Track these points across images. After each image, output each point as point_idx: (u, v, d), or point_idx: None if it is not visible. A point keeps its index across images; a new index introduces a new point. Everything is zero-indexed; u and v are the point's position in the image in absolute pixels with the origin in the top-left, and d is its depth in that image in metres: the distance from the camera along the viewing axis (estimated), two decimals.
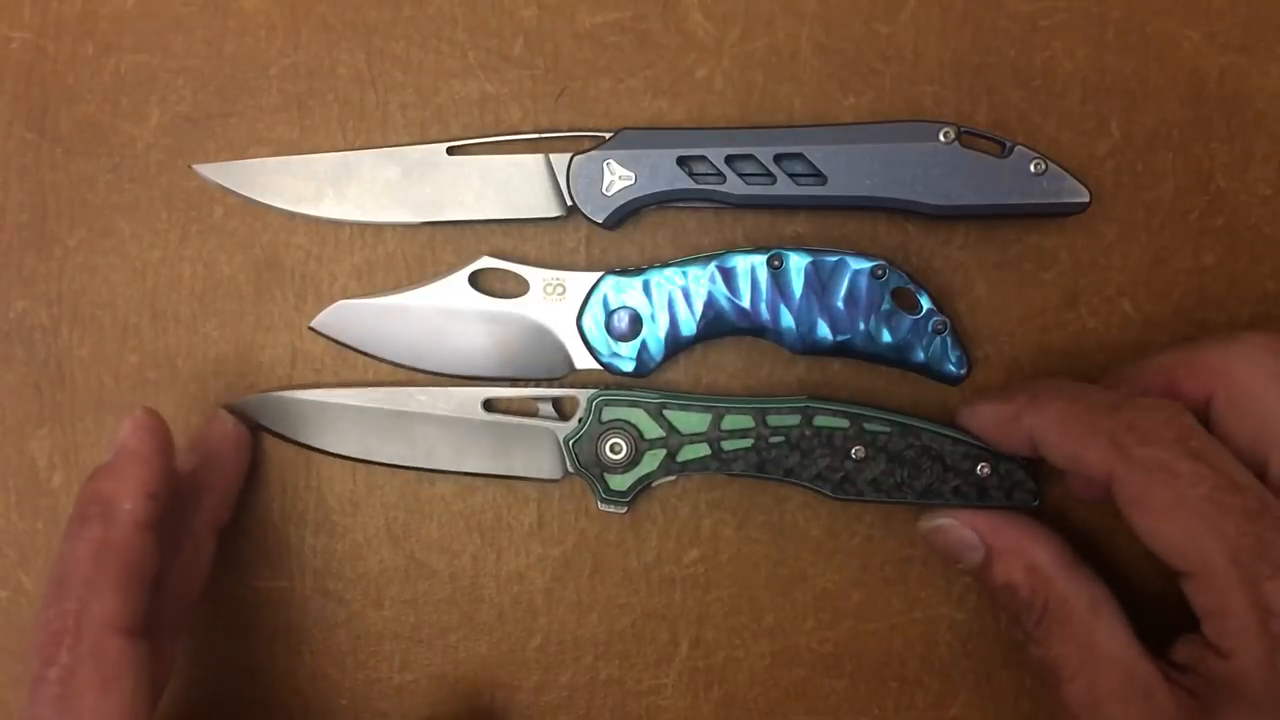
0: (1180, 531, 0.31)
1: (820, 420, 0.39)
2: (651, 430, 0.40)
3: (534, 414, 0.41)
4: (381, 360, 0.41)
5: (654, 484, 0.40)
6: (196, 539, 0.39)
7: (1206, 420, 0.34)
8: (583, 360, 0.40)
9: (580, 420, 0.40)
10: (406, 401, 0.41)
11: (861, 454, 0.39)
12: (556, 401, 0.41)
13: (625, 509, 0.40)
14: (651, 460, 0.40)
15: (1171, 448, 0.32)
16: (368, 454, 0.41)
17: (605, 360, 0.40)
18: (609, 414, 0.40)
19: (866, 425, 0.39)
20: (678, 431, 0.39)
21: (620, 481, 0.40)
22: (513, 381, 0.41)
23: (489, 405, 0.41)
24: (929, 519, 0.39)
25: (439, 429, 0.41)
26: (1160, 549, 0.32)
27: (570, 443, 0.40)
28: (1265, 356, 0.34)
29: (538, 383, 0.41)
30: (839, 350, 0.39)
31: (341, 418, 0.41)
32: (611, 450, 0.40)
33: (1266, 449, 0.33)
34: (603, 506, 0.40)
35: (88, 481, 0.35)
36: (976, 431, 0.38)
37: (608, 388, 0.40)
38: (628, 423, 0.40)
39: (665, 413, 0.39)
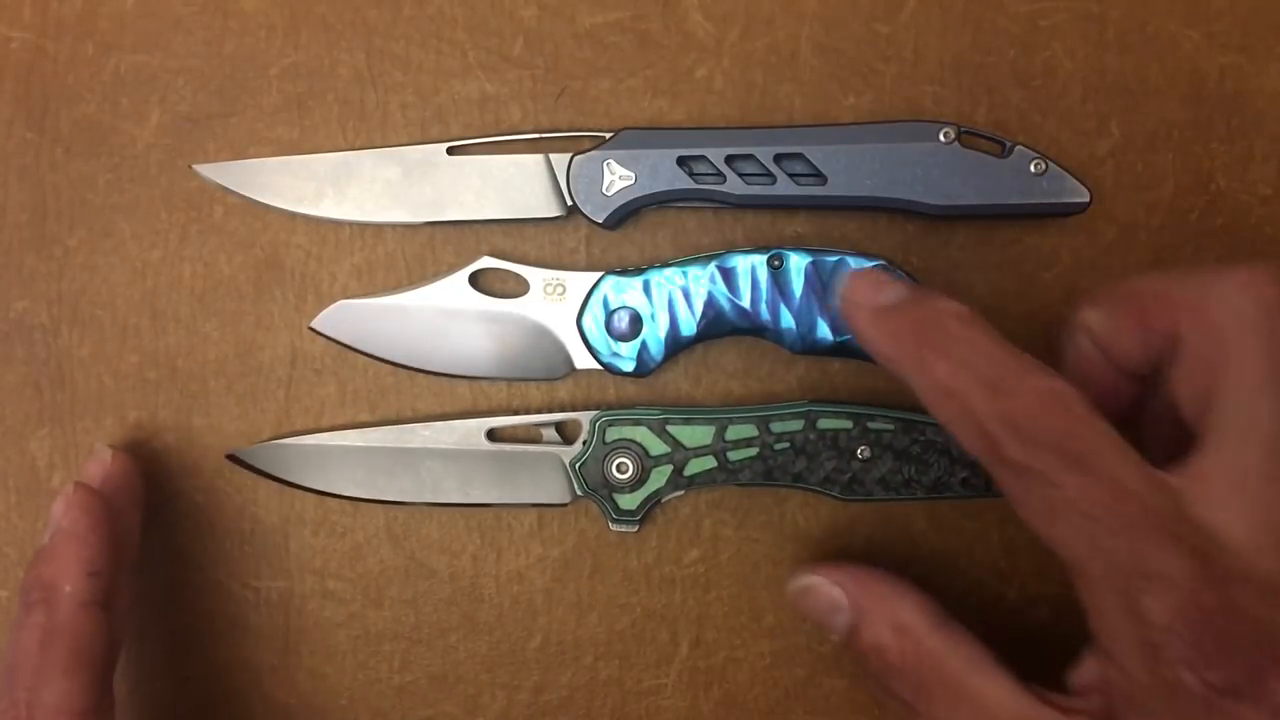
0: (1054, 536, 0.29)
1: (823, 423, 0.39)
2: (656, 447, 0.40)
3: (538, 440, 0.41)
4: (381, 360, 0.41)
5: (663, 500, 0.40)
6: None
7: (1170, 358, 0.31)
8: (583, 360, 0.40)
9: (584, 443, 0.40)
10: (409, 438, 0.41)
11: (867, 454, 0.39)
12: (559, 426, 0.41)
13: (636, 528, 0.40)
14: (659, 477, 0.40)
15: (1049, 454, 0.28)
16: (374, 493, 0.41)
17: (605, 360, 0.40)
18: (612, 434, 0.40)
19: (870, 424, 0.39)
20: (683, 446, 0.39)
21: (629, 500, 0.40)
22: (511, 381, 0.41)
23: (492, 435, 0.41)
24: (795, 579, 0.37)
25: (444, 463, 0.41)
26: (1042, 538, 0.30)
27: (576, 466, 0.40)
28: (1246, 302, 0.30)
29: (538, 384, 0.41)
30: (839, 350, 0.39)
31: (344, 460, 0.41)
32: (618, 470, 0.40)
33: (1206, 404, 0.30)
34: (614, 527, 0.40)
35: (29, 567, 0.35)
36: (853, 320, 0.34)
37: (609, 407, 0.40)
38: (632, 441, 0.40)
39: (669, 428, 0.39)
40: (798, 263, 0.39)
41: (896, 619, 0.34)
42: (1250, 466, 0.29)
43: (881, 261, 0.38)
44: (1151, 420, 0.33)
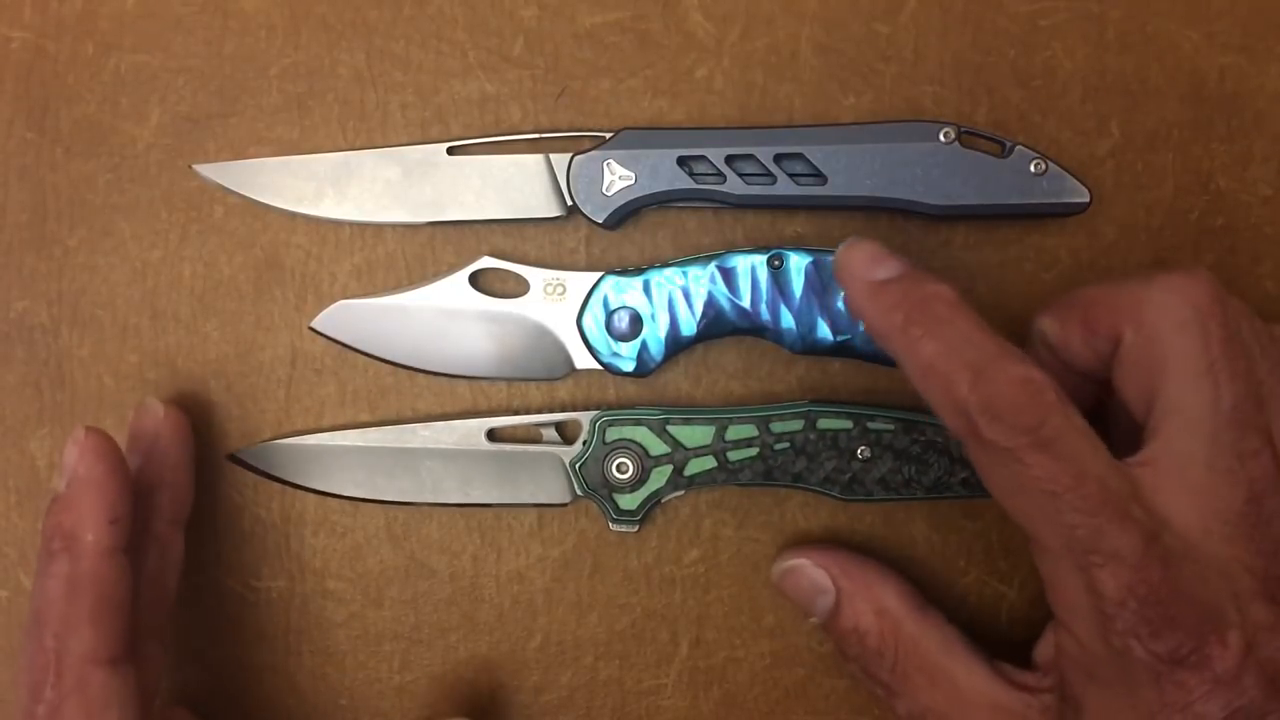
0: (1018, 509, 0.31)
1: (823, 423, 0.39)
2: (656, 447, 0.40)
3: (538, 440, 0.41)
4: (381, 360, 0.41)
5: (663, 500, 0.40)
6: (161, 541, 0.38)
7: (1114, 360, 0.33)
8: (583, 360, 0.40)
9: (584, 443, 0.40)
10: (409, 438, 0.41)
11: (867, 454, 0.39)
12: (559, 426, 0.41)
13: (636, 528, 0.40)
14: (659, 477, 0.40)
15: (1022, 435, 0.30)
16: (374, 493, 0.41)
17: (605, 360, 0.40)
18: (613, 434, 0.40)
19: (870, 424, 0.39)
20: (683, 446, 0.39)
21: (630, 500, 0.40)
22: (511, 381, 0.41)
23: (492, 435, 0.41)
24: (781, 561, 0.39)
25: (444, 463, 0.41)
26: (1007, 511, 0.32)
27: (576, 466, 0.40)
28: (1178, 304, 0.32)
29: (538, 384, 0.41)
30: (839, 350, 0.39)
31: (345, 460, 0.41)
32: (618, 470, 0.40)
33: (1151, 401, 0.32)
34: (614, 527, 0.40)
35: (47, 515, 0.35)
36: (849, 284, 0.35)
37: (609, 407, 0.40)
38: (632, 441, 0.40)
39: (669, 428, 0.39)
40: (798, 263, 0.39)
41: (879, 603, 0.37)
42: (1192, 456, 0.31)
43: None
44: (1112, 419, 0.35)
